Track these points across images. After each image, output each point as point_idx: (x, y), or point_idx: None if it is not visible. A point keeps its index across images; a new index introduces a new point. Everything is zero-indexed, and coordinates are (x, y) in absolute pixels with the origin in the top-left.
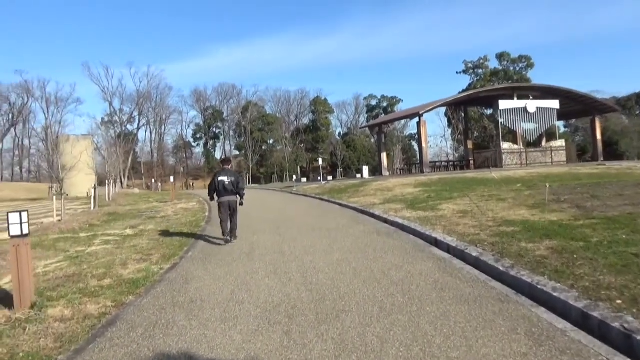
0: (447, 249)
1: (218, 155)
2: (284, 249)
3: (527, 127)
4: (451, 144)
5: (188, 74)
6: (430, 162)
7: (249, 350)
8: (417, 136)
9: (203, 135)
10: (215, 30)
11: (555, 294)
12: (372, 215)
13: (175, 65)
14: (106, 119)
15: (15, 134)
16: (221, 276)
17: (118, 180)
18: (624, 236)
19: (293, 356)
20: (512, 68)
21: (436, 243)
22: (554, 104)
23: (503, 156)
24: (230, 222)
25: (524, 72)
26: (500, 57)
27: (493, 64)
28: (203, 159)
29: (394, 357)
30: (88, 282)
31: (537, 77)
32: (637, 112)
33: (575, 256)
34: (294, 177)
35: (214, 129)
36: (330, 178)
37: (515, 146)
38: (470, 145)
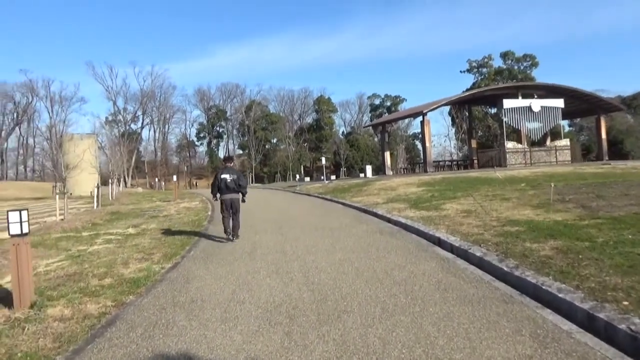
0: (451, 248)
1: (221, 154)
2: (286, 248)
3: (531, 126)
4: (455, 143)
5: (192, 73)
6: (434, 162)
7: (249, 351)
8: (420, 135)
9: (206, 134)
10: (218, 30)
11: (560, 295)
12: (375, 215)
13: (178, 65)
14: (110, 118)
15: (20, 133)
16: (222, 275)
17: (121, 179)
18: (630, 236)
19: (293, 357)
20: (516, 67)
21: (439, 243)
22: (559, 102)
23: (507, 155)
24: (233, 220)
25: (528, 71)
26: (505, 56)
27: (497, 62)
28: (206, 158)
29: (396, 359)
30: (89, 282)
31: (542, 76)
32: None
33: (580, 256)
34: (297, 176)
35: (218, 128)
36: (333, 177)
37: (520, 145)
38: (474, 144)
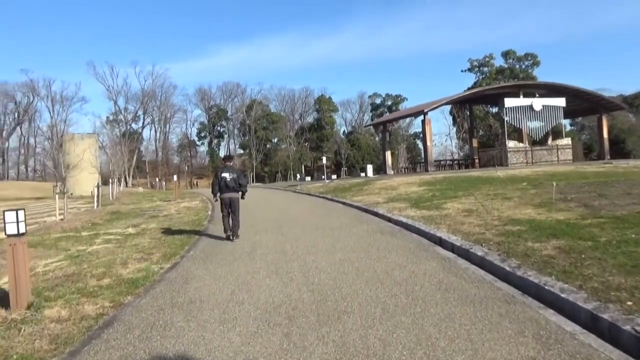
0: (452, 248)
1: (222, 154)
2: (286, 248)
3: (532, 125)
4: (456, 143)
5: (192, 72)
6: (435, 161)
7: (247, 353)
8: (421, 135)
9: (207, 134)
10: (219, 30)
11: (563, 295)
12: (376, 214)
13: (179, 64)
14: (111, 117)
15: (21, 132)
16: (221, 276)
17: (122, 179)
18: (633, 235)
19: None
20: (517, 66)
21: (440, 242)
22: (560, 101)
23: (508, 154)
24: (232, 220)
25: (529, 70)
26: (506, 55)
27: (499, 62)
28: (207, 157)
29: None
30: (87, 282)
31: (543, 74)
32: None
33: (583, 256)
34: (298, 175)
35: (219, 128)
36: (334, 177)
37: (521, 144)
38: (475, 143)
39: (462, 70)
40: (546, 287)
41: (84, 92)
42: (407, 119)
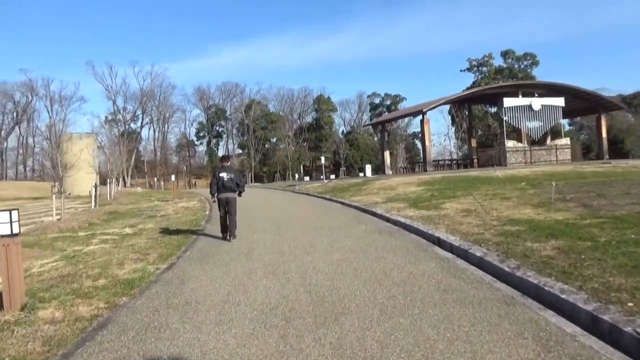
0: (450, 248)
1: (221, 153)
2: (283, 248)
3: (531, 125)
4: (455, 143)
5: (191, 72)
6: (434, 161)
7: (243, 356)
8: (420, 134)
9: (206, 133)
10: (218, 30)
11: (563, 296)
12: (374, 214)
13: (178, 64)
14: (110, 117)
15: (20, 132)
16: (218, 276)
17: (120, 179)
18: (633, 236)
19: None
20: (516, 66)
21: (439, 242)
22: (559, 101)
23: (507, 154)
24: (229, 220)
25: (528, 70)
26: (505, 54)
27: (498, 61)
28: (206, 157)
29: None
30: (82, 283)
31: (542, 74)
32: None
33: (582, 256)
34: (297, 175)
35: (217, 128)
36: (332, 177)
37: (520, 144)
38: (474, 143)
39: (461, 70)
40: (546, 288)
41: (83, 92)
42: (406, 119)
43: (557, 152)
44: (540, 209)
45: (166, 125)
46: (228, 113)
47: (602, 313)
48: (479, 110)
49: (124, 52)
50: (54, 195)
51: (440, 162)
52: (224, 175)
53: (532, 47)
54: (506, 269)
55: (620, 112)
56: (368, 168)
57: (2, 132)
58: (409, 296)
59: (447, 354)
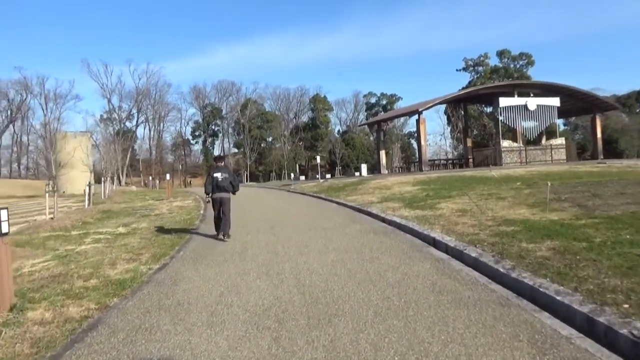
0: (446, 249)
1: (217, 152)
2: (277, 248)
3: (527, 124)
4: (450, 142)
5: (187, 71)
6: (429, 160)
7: (234, 359)
8: (416, 134)
9: (202, 132)
10: (215, 29)
11: (558, 298)
12: (370, 214)
13: (174, 63)
14: (105, 116)
15: (14, 130)
16: (211, 277)
17: (115, 178)
18: (628, 236)
19: None
20: (512, 65)
21: (434, 243)
22: (555, 101)
23: (502, 154)
24: (223, 219)
25: (524, 70)
26: (501, 54)
27: (493, 61)
28: (201, 156)
29: None
30: (73, 283)
31: (538, 74)
32: (637, 110)
33: (578, 257)
34: (292, 175)
35: (213, 127)
36: (328, 176)
37: (515, 144)
38: (469, 143)
39: (457, 70)
40: (541, 289)
41: (78, 90)
42: (402, 119)
43: (552, 152)
44: (536, 209)
45: (162, 124)
46: (224, 112)
47: (598, 315)
48: (474, 110)
49: (119, 51)
50: (47, 194)
51: (436, 162)
52: (218, 175)
53: (528, 47)
54: (501, 270)
55: (614, 112)
56: (364, 167)
57: None
58: (403, 298)
59: (442, 357)
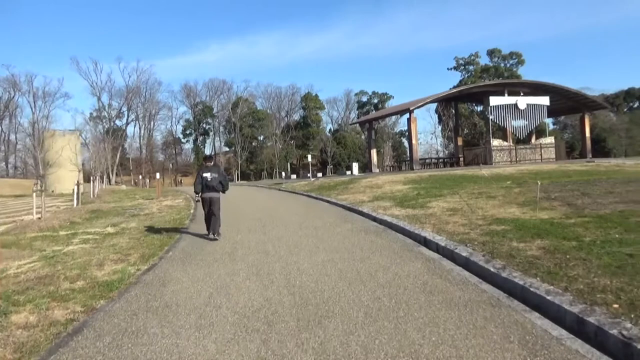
0: (436, 248)
1: (208, 151)
2: (268, 248)
3: (517, 123)
4: (441, 141)
5: (178, 69)
6: (420, 159)
7: None
8: (407, 133)
9: (193, 131)
10: (206, 27)
11: (548, 298)
12: (361, 213)
13: (165, 61)
14: (94, 114)
15: (2, 129)
16: (200, 278)
17: (105, 177)
18: (617, 235)
19: None
20: (502, 64)
21: (425, 242)
22: (544, 100)
23: (493, 153)
24: (212, 219)
25: (514, 69)
26: (491, 53)
27: (484, 60)
28: (192, 155)
29: None
30: (59, 285)
31: (528, 73)
32: (625, 110)
33: (568, 256)
34: (283, 173)
35: (204, 125)
36: (319, 175)
37: (505, 143)
38: (460, 142)
39: (448, 69)
40: (531, 289)
41: (67, 88)
42: (393, 117)
43: (542, 151)
44: (526, 207)
45: (152, 123)
46: (215, 110)
47: (588, 315)
48: (465, 109)
49: (109, 48)
50: (34, 193)
51: (427, 161)
52: (207, 175)
53: (518, 46)
54: (492, 270)
55: (602, 111)
56: (355, 166)
57: None
58: (394, 298)
59: (432, 359)
